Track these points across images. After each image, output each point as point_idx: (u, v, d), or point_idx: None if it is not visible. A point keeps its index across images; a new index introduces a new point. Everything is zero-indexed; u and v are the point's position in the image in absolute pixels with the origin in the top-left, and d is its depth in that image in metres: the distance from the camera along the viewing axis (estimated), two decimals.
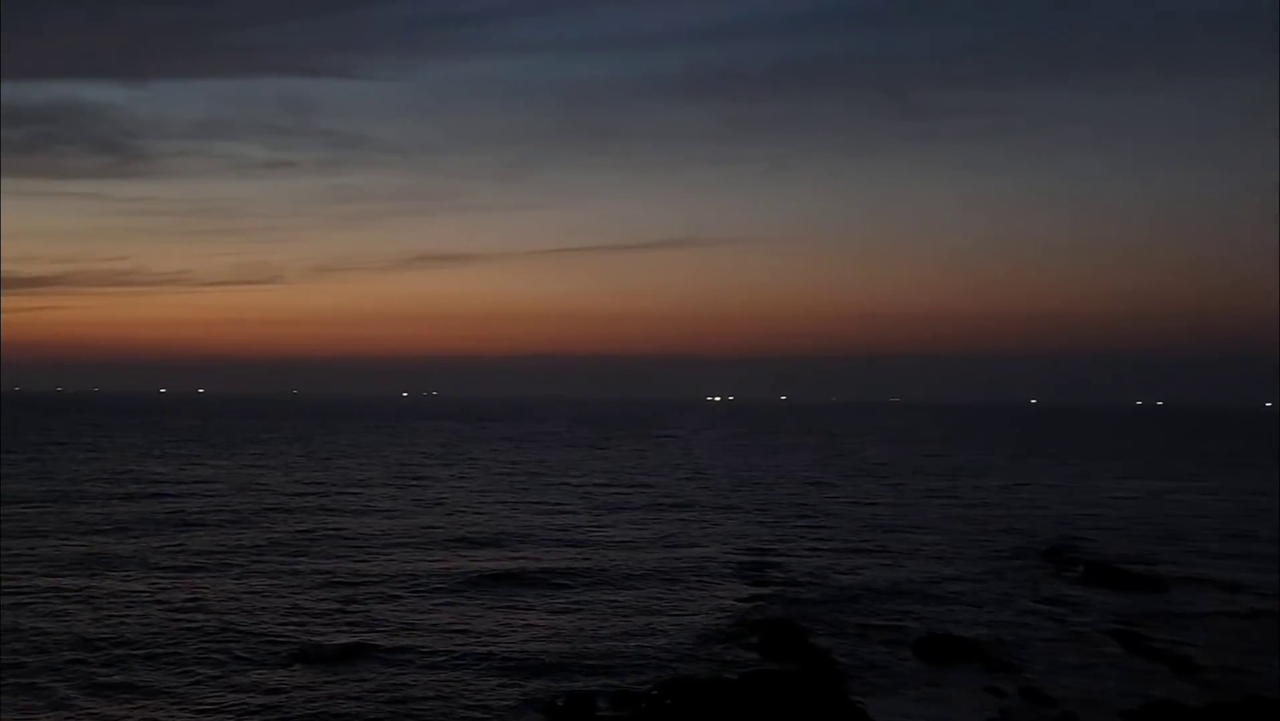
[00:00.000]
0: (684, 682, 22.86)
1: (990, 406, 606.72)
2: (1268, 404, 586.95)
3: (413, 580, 35.16)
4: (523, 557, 40.00)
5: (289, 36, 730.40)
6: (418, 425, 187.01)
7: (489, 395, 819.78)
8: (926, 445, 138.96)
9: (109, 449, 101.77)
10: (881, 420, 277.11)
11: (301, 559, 38.92)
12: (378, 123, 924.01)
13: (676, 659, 26.00)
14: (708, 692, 22.06)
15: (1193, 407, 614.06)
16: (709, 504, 60.48)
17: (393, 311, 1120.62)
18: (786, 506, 59.76)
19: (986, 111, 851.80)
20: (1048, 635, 29.31)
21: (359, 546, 41.95)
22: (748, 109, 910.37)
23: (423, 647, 26.58)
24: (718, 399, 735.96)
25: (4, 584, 32.88)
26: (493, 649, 26.60)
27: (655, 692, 22.43)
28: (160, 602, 30.95)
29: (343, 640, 26.88)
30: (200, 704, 22.06)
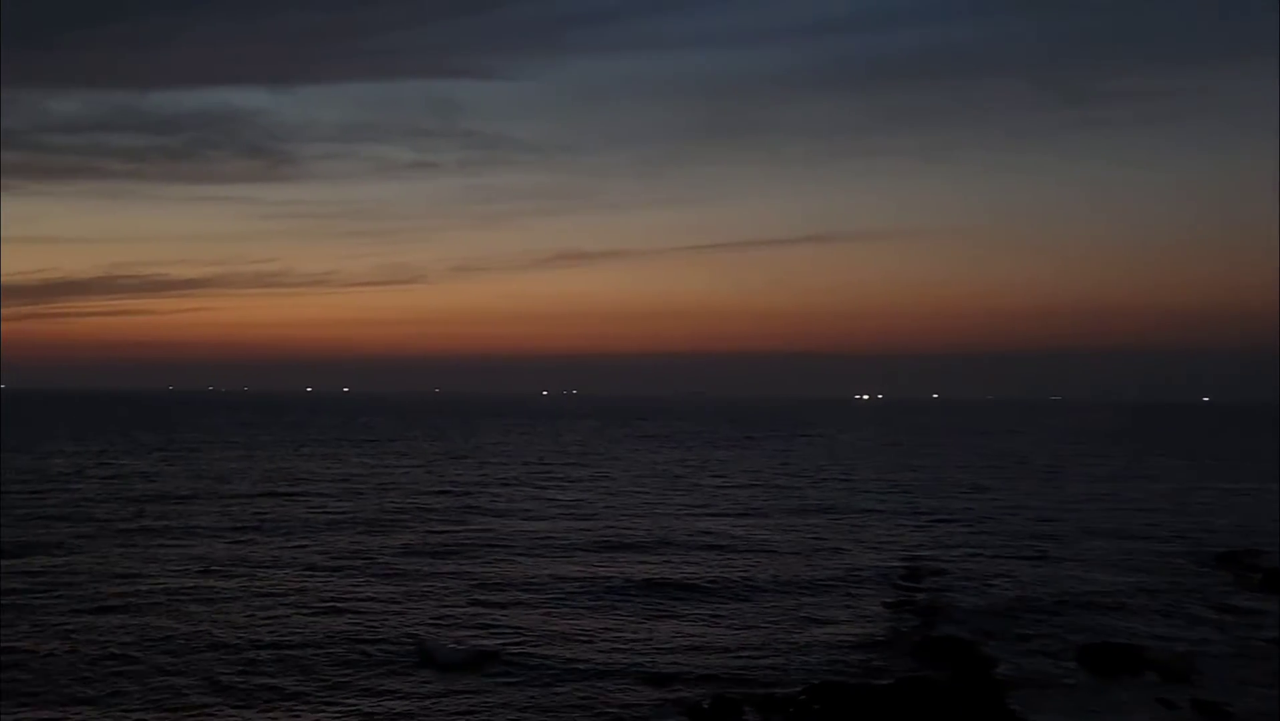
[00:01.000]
0: (833, 688, 22.96)
1: (1159, 405, 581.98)
2: None
3: (551, 585, 35.46)
4: (664, 563, 40.21)
5: (432, 39, 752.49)
6: (557, 424, 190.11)
7: (629, 393, 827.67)
8: (1090, 445, 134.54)
9: (258, 446, 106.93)
10: (1041, 419, 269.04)
11: (441, 561, 39.73)
12: (518, 122, 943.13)
13: (825, 666, 25.88)
14: (858, 698, 22.14)
15: None
16: (857, 507, 60.02)
17: (532, 310, 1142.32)
18: (940, 509, 58.85)
19: (1150, 97, 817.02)
20: (1222, 646, 28.34)
21: (499, 549, 42.64)
22: (897, 99, 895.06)
23: (560, 655, 26.60)
24: (866, 397, 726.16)
25: (151, 582, 34.81)
26: (633, 658, 26.58)
27: (803, 697, 22.57)
28: (298, 604, 31.77)
29: (479, 645, 27.13)
30: (329, 708, 22.51)
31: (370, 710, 22.53)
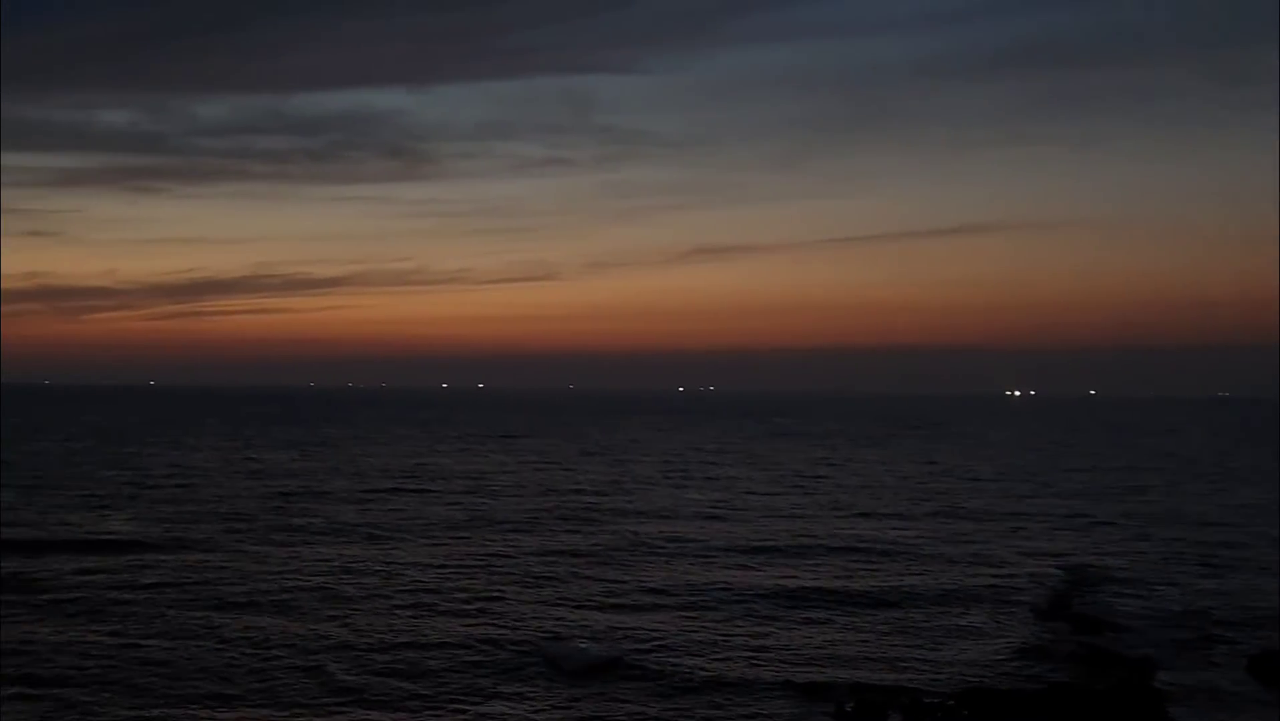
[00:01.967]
0: (983, 693, 22.83)
1: None
2: None
3: (685, 589, 35.18)
4: (804, 567, 39.98)
5: (568, 35, 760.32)
6: (694, 421, 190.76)
7: (766, 389, 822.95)
8: (1263, 445, 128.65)
9: (396, 442, 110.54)
10: (1209, 417, 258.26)
11: (572, 563, 39.92)
12: (654, 116, 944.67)
13: (974, 676, 25.38)
14: (1009, 704, 21.99)
15: None
16: (1009, 509, 58.85)
17: (668, 306, 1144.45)
18: (1098, 513, 57.32)
19: None
20: None
21: (633, 551, 42.82)
22: (1051, 84, 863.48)
23: (690, 664, 26.32)
24: (1017, 394, 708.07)
25: (289, 580, 36.30)
26: (768, 667, 26.16)
27: (951, 702, 22.49)
28: (426, 605, 32.31)
29: (606, 651, 26.92)
30: (446, 714, 22.75)
31: (486, 714, 22.76)
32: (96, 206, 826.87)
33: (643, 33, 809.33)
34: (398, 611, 31.51)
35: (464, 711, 23.01)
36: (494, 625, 30.01)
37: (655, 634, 29.26)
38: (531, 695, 24.04)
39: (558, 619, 30.93)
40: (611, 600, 33.76)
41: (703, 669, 25.98)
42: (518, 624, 30.14)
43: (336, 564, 38.90)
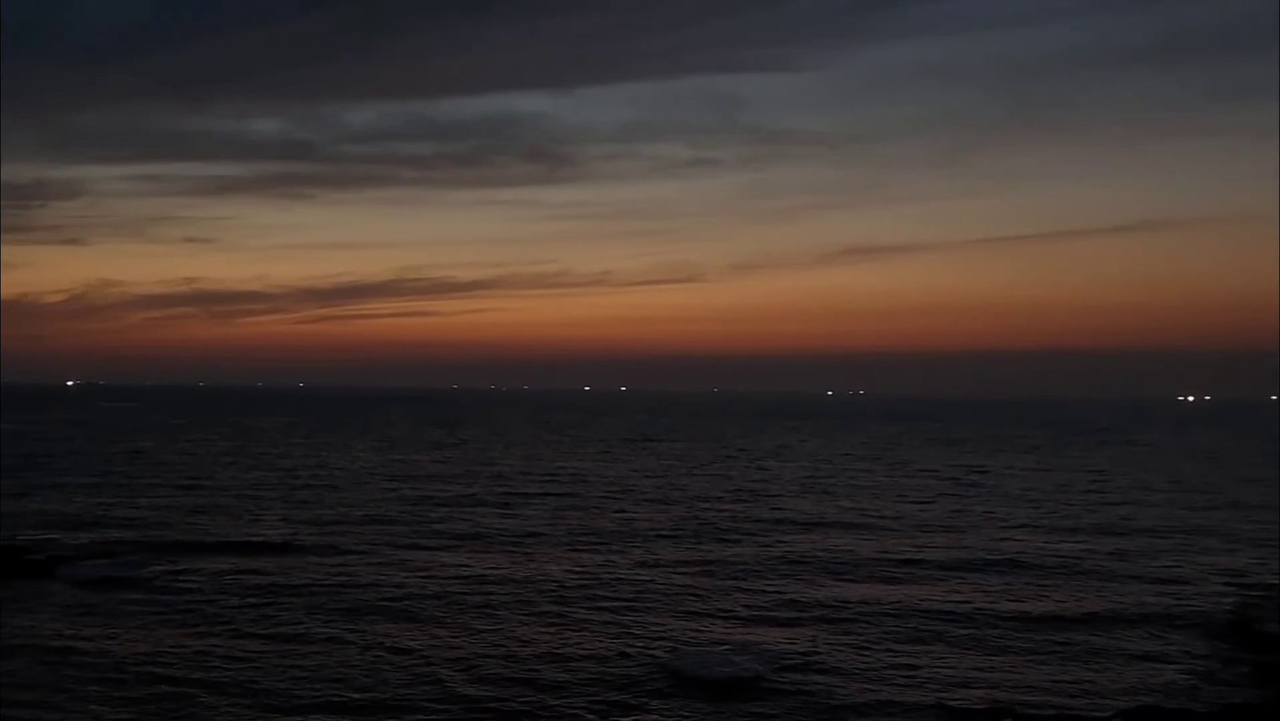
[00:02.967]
0: (1149, 712, 21.99)
1: None
2: None
3: (829, 606, 34.35)
4: (959, 583, 38.94)
5: (712, 35, 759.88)
6: (843, 425, 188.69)
7: (920, 393, 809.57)
8: None
9: (540, 444, 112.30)
10: None
11: (712, 574, 39.54)
12: (802, 115, 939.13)
13: (1140, 700, 24.17)
14: None
15: None
16: (1184, 525, 56.14)
17: (816, 307, 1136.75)
18: None
19: None
20: None
21: (776, 564, 42.11)
22: (1229, 74, 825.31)
23: (828, 685, 25.66)
24: (1191, 398, 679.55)
25: (426, 586, 37.01)
26: (922, 690, 25.39)
27: (1115, 719, 21.81)
28: (558, 616, 32.28)
29: (739, 669, 26.38)
30: None
31: None
32: (249, 213, 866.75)
33: (791, 30, 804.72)
34: (532, 620, 31.67)
35: None
36: (629, 636, 29.93)
37: (798, 650, 28.71)
38: (665, 710, 23.81)
39: (696, 631, 30.69)
40: (752, 613, 33.33)
41: (847, 689, 25.37)
42: (653, 636, 29.96)
43: (475, 570, 39.43)
